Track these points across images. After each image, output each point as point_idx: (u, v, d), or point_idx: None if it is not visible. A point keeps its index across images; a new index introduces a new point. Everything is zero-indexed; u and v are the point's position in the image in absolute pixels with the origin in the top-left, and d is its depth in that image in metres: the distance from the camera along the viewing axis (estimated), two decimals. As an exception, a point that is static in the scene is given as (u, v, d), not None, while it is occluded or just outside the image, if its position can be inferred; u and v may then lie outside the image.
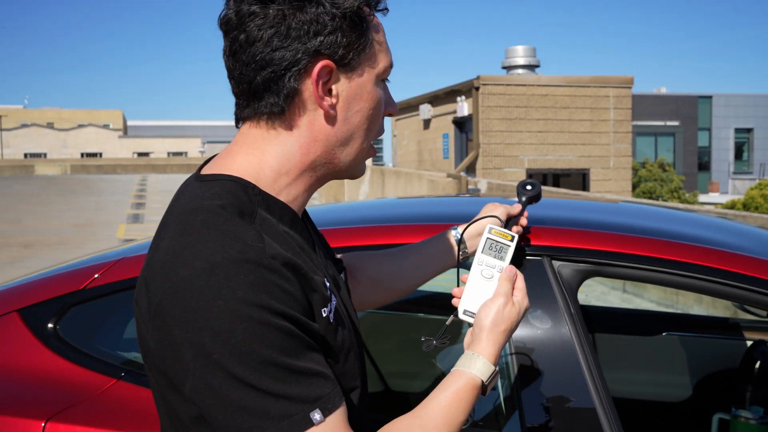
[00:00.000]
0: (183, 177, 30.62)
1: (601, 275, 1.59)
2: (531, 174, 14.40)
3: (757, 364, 2.53)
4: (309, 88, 1.01)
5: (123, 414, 1.58)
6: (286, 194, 1.06)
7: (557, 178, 14.69)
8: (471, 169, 15.24)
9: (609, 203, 2.25)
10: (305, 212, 1.19)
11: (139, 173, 33.83)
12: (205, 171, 1.07)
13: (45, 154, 51.31)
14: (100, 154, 52.95)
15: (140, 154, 55.00)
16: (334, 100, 1.03)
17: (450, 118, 17.69)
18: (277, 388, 0.89)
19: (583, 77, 14.45)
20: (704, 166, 40.39)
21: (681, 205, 7.97)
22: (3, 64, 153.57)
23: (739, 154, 41.07)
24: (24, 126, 53.55)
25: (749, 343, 2.71)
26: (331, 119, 1.04)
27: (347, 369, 1.06)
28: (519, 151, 14.24)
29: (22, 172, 32.00)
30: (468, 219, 1.43)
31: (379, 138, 1.17)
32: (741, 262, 1.51)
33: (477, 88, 14.36)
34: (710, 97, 40.20)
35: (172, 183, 25.97)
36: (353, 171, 1.11)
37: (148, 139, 58.55)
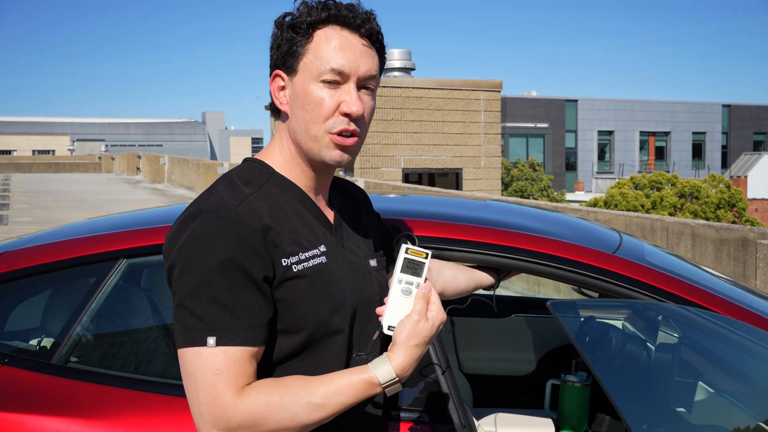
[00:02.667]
0: (51, 176, 29.38)
1: (444, 258, 1.86)
2: (407, 173, 14.90)
3: (587, 339, 2.89)
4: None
5: (7, 395, 1.71)
6: (294, 176, 1.37)
7: (432, 177, 15.27)
8: (349, 169, 15.54)
9: (474, 200, 2.56)
10: (347, 195, 1.53)
11: (2, 172, 31.95)
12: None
13: None
14: (-43, 152, 49.44)
15: (2, 152, 51.79)
16: (285, 100, 1.36)
17: (329, 118, 17.73)
18: (197, 310, 1.20)
19: (455, 81, 15.08)
20: (571, 166, 42.62)
21: (525, 201, 8.48)
22: None
23: (601, 155, 43.53)
24: None
25: (582, 319, 3.08)
26: (289, 115, 1.36)
27: (320, 319, 1.29)
28: (395, 151, 14.68)
29: None
30: None
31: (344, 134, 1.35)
32: (554, 246, 1.83)
33: (355, 90, 14.62)
34: (576, 101, 42.27)
35: (38, 183, 24.75)
36: (321, 157, 1.33)
37: (11, 136, 55.20)
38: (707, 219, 24.93)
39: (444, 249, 1.84)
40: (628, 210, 24.07)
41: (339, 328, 1.32)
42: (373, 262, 1.46)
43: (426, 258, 1.33)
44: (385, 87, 14.92)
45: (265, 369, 1.28)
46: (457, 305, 1.82)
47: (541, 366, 3.08)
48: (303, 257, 1.29)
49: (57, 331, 1.86)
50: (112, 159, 34.82)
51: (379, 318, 1.30)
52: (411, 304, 1.28)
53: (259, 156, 1.42)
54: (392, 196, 2.58)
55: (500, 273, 1.89)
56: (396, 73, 16.43)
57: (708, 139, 44.94)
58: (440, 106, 14.84)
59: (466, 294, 1.82)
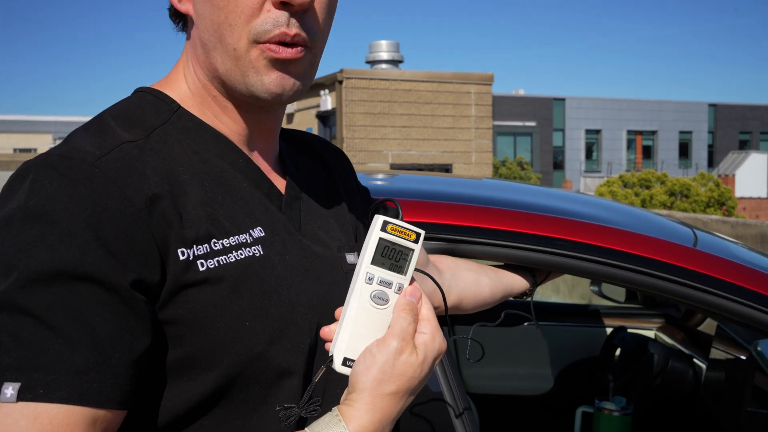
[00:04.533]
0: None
1: (456, 254, 1.36)
2: (395, 169, 14.44)
3: (617, 351, 2.43)
4: None
5: None
6: (212, 117, 0.87)
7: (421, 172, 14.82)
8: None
9: (468, 179, 2.03)
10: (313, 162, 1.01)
11: (-20, 169, 31.19)
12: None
13: None
14: (-65, 149, 48.63)
15: (-18, 150, 50.98)
16: None
17: (313, 112, 17.40)
18: (1, 333, 0.67)
19: (445, 73, 14.60)
20: (559, 164, 42.41)
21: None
22: None
23: (589, 153, 43.39)
24: None
25: (609, 330, 2.62)
26: (194, 20, 0.85)
27: (251, 352, 0.79)
28: (383, 146, 14.19)
29: None
30: None
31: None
32: (615, 238, 1.31)
33: (341, 82, 14.18)
34: (563, 100, 42.18)
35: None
36: (247, 86, 0.82)
37: (-9, 134, 54.40)
38: (698, 218, 24.65)
39: (458, 240, 1.33)
40: (619, 208, 23.69)
41: (286, 367, 0.81)
42: (352, 258, 0.94)
43: (416, 241, 0.82)
44: (372, 79, 14.45)
45: (163, 428, 0.76)
46: (486, 322, 1.31)
47: (560, 384, 2.60)
48: (219, 247, 0.78)
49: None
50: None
51: (326, 345, 0.81)
52: (385, 321, 0.79)
53: (156, 85, 0.89)
54: (380, 176, 2.07)
55: (537, 275, 1.39)
56: (384, 66, 15.97)
57: (695, 138, 44.93)
58: (429, 99, 14.36)
59: (492, 305, 1.32)
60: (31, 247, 0.68)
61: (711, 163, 44.44)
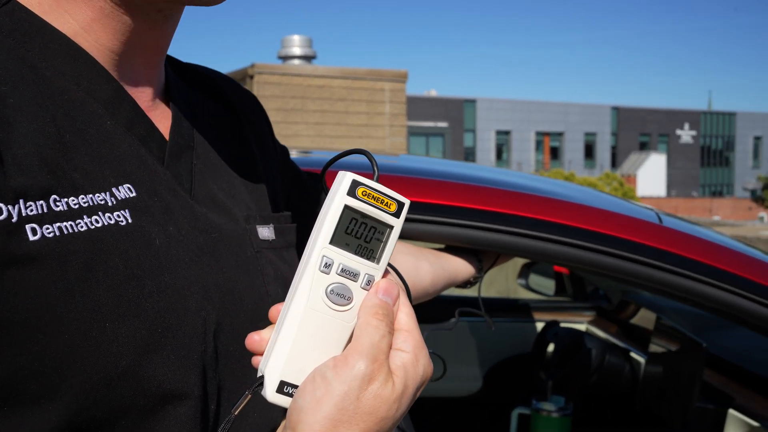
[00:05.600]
0: None
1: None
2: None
3: (550, 347, 2.28)
4: None
5: None
6: (73, 23, 0.59)
7: (335, 171, 14.60)
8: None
9: (402, 154, 1.81)
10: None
11: None
12: None
13: None
14: None
15: None
16: None
17: (224, 109, 16.87)
18: None
19: (359, 70, 14.41)
20: (470, 164, 43.17)
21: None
22: None
23: (499, 154, 44.32)
24: None
25: (538, 325, 2.48)
26: None
27: (114, 368, 0.52)
28: (296, 142, 13.88)
29: None
30: None
31: None
32: (575, 214, 1.11)
33: (252, 77, 13.79)
34: (475, 101, 42.96)
35: None
36: None
37: None
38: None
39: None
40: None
41: (170, 388, 0.55)
42: (266, 232, 0.70)
43: (397, 214, 0.56)
44: (284, 75, 14.11)
45: None
46: (441, 327, 1.10)
47: (490, 384, 2.43)
48: (61, 208, 0.52)
49: None
50: None
51: (253, 359, 0.57)
52: (345, 330, 0.55)
53: None
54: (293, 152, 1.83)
55: (483, 260, 1.18)
56: (296, 61, 15.65)
57: (599, 139, 46.60)
58: (343, 96, 14.14)
59: (433, 296, 1.10)
60: None
61: (614, 163, 46.16)
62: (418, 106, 39.37)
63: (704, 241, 1.13)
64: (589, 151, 46.50)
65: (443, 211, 1.08)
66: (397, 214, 0.57)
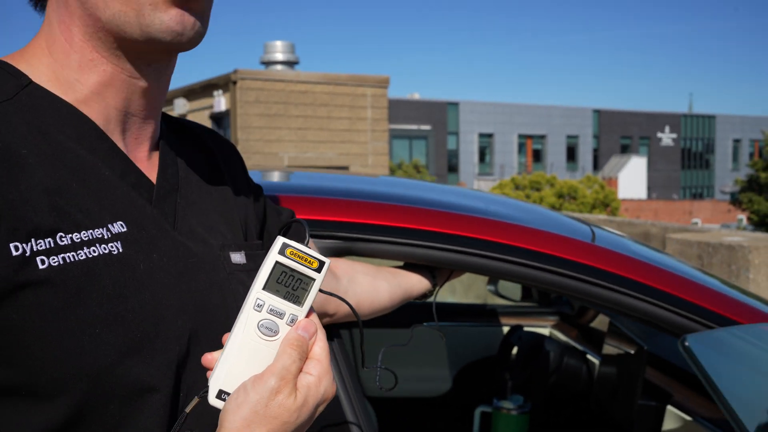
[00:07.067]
0: None
1: (352, 254, 1.29)
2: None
3: (514, 350, 2.44)
4: None
5: None
6: (81, 91, 0.76)
7: (318, 175, 14.77)
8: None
9: (368, 176, 1.96)
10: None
11: None
12: None
13: None
14: None
15: None
16: None
17: (207, 113, 16.97)
18: None
19: (341, 75, 14.55)
20: (453, 167, 43.26)
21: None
22: None
23: (482, 156, 44.49)
24: None
25: (506, 329, 2.63)
26: None
27: (100, 364, 0.68)
28: (279, 148, 13.99)
29: None
30: None
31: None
32: (516, 235, 1.28)
33: (235, 82, 13.88)
34: (458, 104, 43.07)
35: None
36: (143, 27, 0.72)
37: None
38: (584, 218, 25.82)
39: (355, 239, 1.26)
40: (511, 210, 24.43)
41: (146, 382, 0.71)
42: (238, 257, 0.86)
43: (318, 270, 0.74)
44: (267, 80, 14.22)
45: None
46: (397, 344, 1.24)
47: (458, 385, 2.59)
48: (65, 242, 0.68)
49: None
50: None
51: (207, 372, 0.73)
52: (270, 355, 0.72)
53: (7, 58, 0.77)
54: (275, 175, 1.98)
55: (437, 276, 1.34)
56: (279, 67, 15.76)
57: (581, 142, 46.90)
58: (326, 101, 14.28)
59: (390, 310, 1.25)
60: None
61: (596, 166, 46.49)
62: (401, 109, 39.49)
63: (625, 256, 1.30)
64: (572, 154, 46.81)
65: (402, 233, 1.24)
66: (318, 270, 0.74)
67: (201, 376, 0.74)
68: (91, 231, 0.70)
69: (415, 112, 40.80)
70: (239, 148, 15.74)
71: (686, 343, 1.15)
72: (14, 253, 0.64)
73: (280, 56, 15.76)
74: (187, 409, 0.71)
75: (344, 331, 2.00)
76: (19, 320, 0.64)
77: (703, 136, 48.90)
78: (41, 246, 0.66)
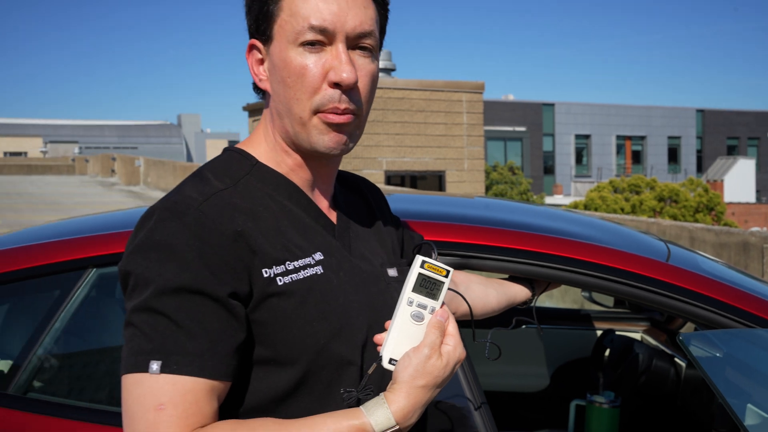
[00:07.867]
0: (23, 178, 28.76)
1: (468, 268, 1.60)
2: (389, 175, 14.64)
3: (607, 352, 2.67)
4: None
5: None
6: (285, 168, 1.13)
7: (414, 180, 15.04)
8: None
9: (466, 198, 2.27)
10: (355, 194, 1.28)
11: (-28, 175, 31.19)
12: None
13: None
14: (-75, 154, 48.43)
15: (-27, 154, 50.86)
16: (265, 75, 1.11)
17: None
18: (144, 327, 0.95)
19: (437, 82, 14.85)
20: (549, 169, 42.72)
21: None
22: None
23: (579, 158, 43.71)
24: None
25: (599, 332, 2.86)
26: (271, 93, 1.11)
27: (317, 346, 1.03)
28: (377, 153, 14.43)
29: None
30: None
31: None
32: (600, 254, 1.57)
33: (335, 90, 14.37)
34: (553, 105, 42.45)
35: (9, 185, 24.14)
36: (311, 145, 1.08)
37: (-19, 139, 54.23)
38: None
39: (470, 257, 1.57)
40: (607, 213, 24.01)
41: (345, 357, 1.06)
42: (392, 272, 1.20)
43: (446, 276, 1.07)
44: (366, 88, 14.65)
45: (259, 409, 1.02)
46: (501, 327, 1.54)
47: (555, 382, 2.84)
48: (291, 267, 1.04)
49: (14, 354, 1.56)
50: (86, 161, 34.15)
51: (378, 347, 1.06)
52: (421, 334, 1.04)
53: (241, 145, 1.16)
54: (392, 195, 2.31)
55: (536, 286, 1.63)
56: (377, 74, 16.15)
57: (683, 143, 45.33)
58: (422, 107, 14.62)
59: (498, 313, 1.56)
60: (161, 269, 0.96)
61: (700, 168, 44.83)
62: (495, 111, 39.36)
63: (694, 273, 1.56)
64: (673, 156, 45.34)
65: (508, 252, 1.55)
66: (446, 276, 1.07)
67: (375, 354, 1.08)
68: (303, 259, 1.06)
69: (509, 114, 40.57)
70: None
71: (680, 338, 1.40)
72: (264, 275, 1.01)
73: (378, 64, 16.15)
74: (369, 371, 1.06)
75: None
76: (269, 317, 1.01)
77: (818, 135, 46.32)
78: (278, 270, 1.02)
